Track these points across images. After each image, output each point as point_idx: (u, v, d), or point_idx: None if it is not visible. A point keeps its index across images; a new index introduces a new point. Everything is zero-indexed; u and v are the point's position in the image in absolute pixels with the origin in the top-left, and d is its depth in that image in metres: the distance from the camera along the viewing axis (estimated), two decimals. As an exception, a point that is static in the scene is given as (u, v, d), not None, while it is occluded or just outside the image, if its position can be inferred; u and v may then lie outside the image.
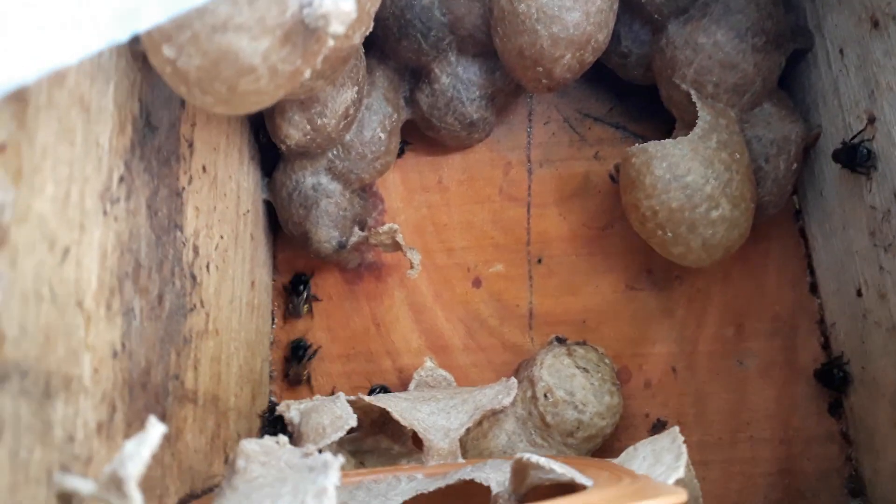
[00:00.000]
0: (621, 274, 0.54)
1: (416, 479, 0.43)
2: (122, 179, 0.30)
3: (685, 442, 0.37)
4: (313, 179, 0.50)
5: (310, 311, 0.53)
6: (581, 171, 0.55)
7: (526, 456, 0.36)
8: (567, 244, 0.54)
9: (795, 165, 0.49)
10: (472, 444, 0.49)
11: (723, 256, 0.47)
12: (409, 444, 0.49)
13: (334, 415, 0.40)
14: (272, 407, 0.49)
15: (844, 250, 0.48)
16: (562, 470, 0.35)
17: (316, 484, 0.29)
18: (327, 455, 0.32)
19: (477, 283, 0.54)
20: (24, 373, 0.23)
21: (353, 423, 0.40)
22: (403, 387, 0.52)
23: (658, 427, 0.52)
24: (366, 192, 0.54)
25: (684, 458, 0.35)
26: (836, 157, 0.46)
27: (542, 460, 0.35)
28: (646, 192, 0.46)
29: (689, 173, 0.45)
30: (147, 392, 0.32)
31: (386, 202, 0.56)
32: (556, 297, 0.54)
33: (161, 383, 0.33)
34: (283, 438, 0.35)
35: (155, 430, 0.24)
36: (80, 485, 0.25)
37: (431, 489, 0.41)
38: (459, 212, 0.55)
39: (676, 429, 0.38)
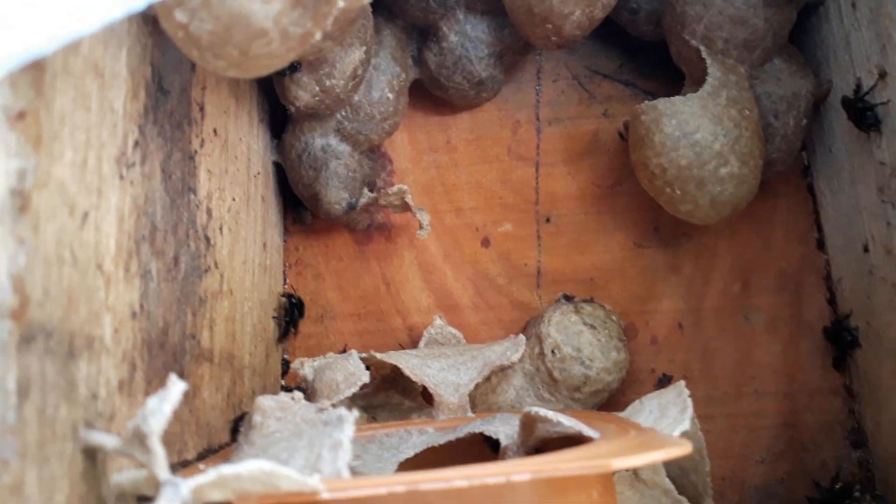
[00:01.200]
0: (629, 232, 0.54)
1: (427, 433, 0.44)
2: (136, 144, 0.30)
3: (690, 396, 0.38)
4: (322, 141, 0.50)
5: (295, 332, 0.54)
6: (590, 128, 0.55)
7: (534, 410, 0.37)
8: (575, 203, 0.55)
9: (805, 122, 0.49)
10: (480, 399, 0.50)
11: (731, 213, 0.48)
12: (419, 399, 0.50)
13: (347, 371, 0.41)
14: (286, 365, 0.51)
15: (852, 206, 0.49)
16: (569, 423, 0.36)
17: (331, 437, 0.30)
18: (342, 409, 0.33)
19: (486, 242, 0.55)
20: (49, 333, 0.24)
21: (366, 378, 0.41)
22: (414, 344, 0.53)
23: (664, 382, 0.53)
24: (374, 154, 0.54)
25: (689, 411, 0.36)
26: (846, 106, 0.46)
27: (550, 414, 0.36)
28: (655, 149, 0.46)
29: (698, 130, 0.45)
30: (165, 351, 0.33)
31: (394, 163, 0.56)
32: (564, 255, 0.54)
33: (178, 342, 0.34)
34: (297, 394, 0.36)
35: (176, 387, 0.25)
36: (105, 440, 0.26)
37: (442, 442, 0.43)
38: (468, 172, 0.56)
39: (682, 383, 0.39)
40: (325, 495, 0.25)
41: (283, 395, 0.35)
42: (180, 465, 0.33)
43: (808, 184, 0.54)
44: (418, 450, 0.43)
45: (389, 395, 0.50)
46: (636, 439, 0.30)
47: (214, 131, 0.40)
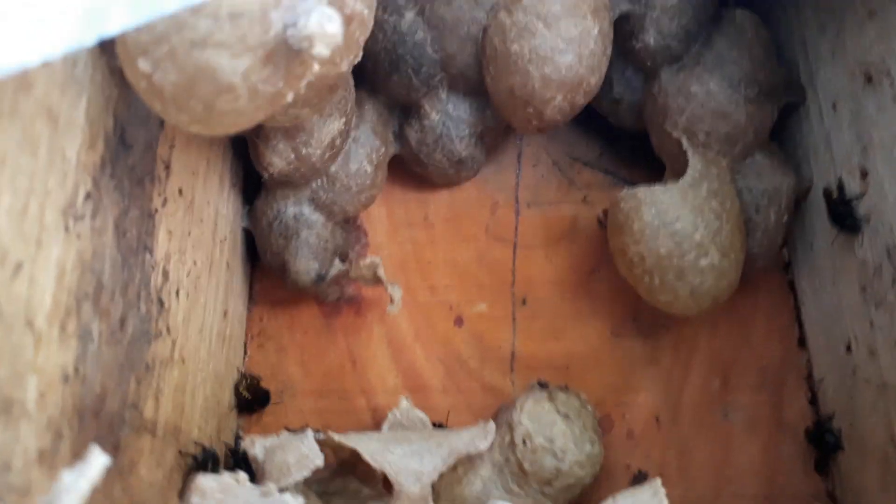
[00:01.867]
0: (607, 320, 0.53)
1: (385, 526, 0.41)
2: (88, 196, 0.28)
3: (667, 496, 0.35)
4: (295, 209, 0.48)
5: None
6: (569, 214, 0.54)
7: (499, 507, 0.34)
8: (552, 287, 0.53)
9: (786, 217, 0.49)
10: (445, 490, 0.47)
11: (711, 306, 0.46)
12: (379, 487, 0.47)
13: (300, 453, 0.39)
14: (236, 447, 0.47)
15: (834, 305, 0.48)
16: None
17: (271, 528, 0.27)
18: (287, 497, 0.30)
19: (459, 321, 0.53)
20: (-40, 393, 0.21)
21: (320, 462, 0.38)
22: (377, 427, 0.50)
23: (639, 478, 0.50)
24: (349, 225, 0.53)
25: (665, 515, 0.34)
26: (828, 205, 0.46)
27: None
28: (634, 237, 0.45)
29: (677, 220, 0.44)
30: (100, 420, 0.30)
31: (370, 236, 0.55)
32: (539, 340, 0.52)
33: (117, 411, 0.32)
34: (242, 475, 0.33)
35: (97, 460, 0.22)
36: (13, 519, 0.23)
37: (400, 537, 0.40)
38: (444, 249, 0.54)
39: (658, 481, 0.37)
40: None
41: (226, 476, 0.33)
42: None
43: (789, 280, 0.53)
44: (373, 544, 0.40)
45: (347, 481, 0.47)
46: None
47: (179, 191, 0.38)
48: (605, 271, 0.53)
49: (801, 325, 0.52)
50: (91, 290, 0.29)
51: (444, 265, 0.54)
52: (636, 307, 0.52)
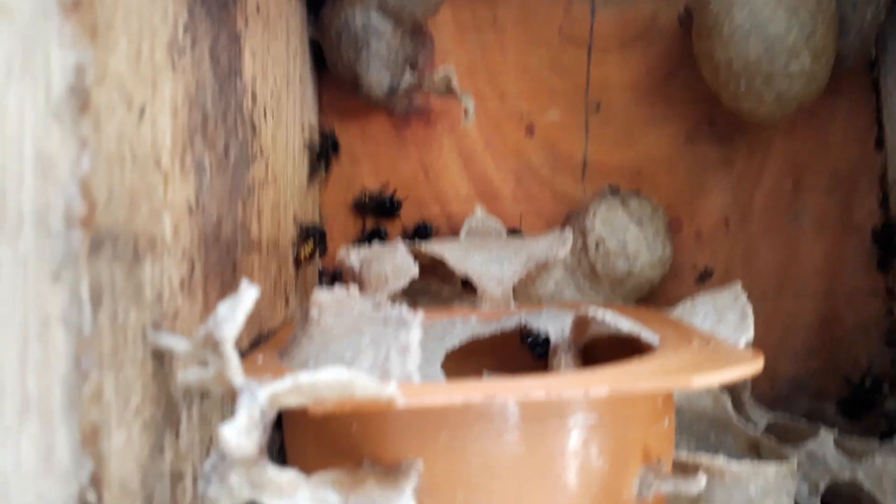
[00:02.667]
0: (681, 125, 0.52)
1: (471, 323, 0.44)
2: (186, 28, 0.28)
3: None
4: (363, 17, 0.47)
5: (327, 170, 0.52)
6: (648, 11, 0.52)
7: (592, 311, 0.37)
8: (627, 91, 0.52)
9: (883, 16, 0.46)
10: (519, 290, 0.50)
11: (795, 111, 0.45)
12: (458, 287, 0.50)
13: (395, 264, 0.41)
14: (321, 273, 0.50)
15: (921, 106, 0.46)
16: (628, 328, 0.35)
17: (398, 340, 0.29)
18: (402, 309, 0.33)
19: (530, 130, 0.53)
20: (116, 238, 0.23)
21: (415, 272, 0.40)
22: (452, 232, 0.52)
23: (705, 276, 0.52)
24: (416, 33, 0.51)
25: (751, 318, 0.36)
26: None
27: (609, 317, 0.36)
28: (723, 40, 0.43)
29: (771, 22, 0.42)
30: (219, 245, 0.32)
31: (436, 42, 0.53)
32: (611, 146, 0.52)
33: (231, 235, 0.33)
34: (354, 289, 0.35)
35: (248, 292, 0.24)
36: (174, 342, 0.26)
37: (486, 333, 0.43)
38: (515, 54, 0.53)
39: (738, 285, 0.39)
40: (401, 403, 0.25)
41: (339, 290, 0.35)
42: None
43: (873, 79, 0.51)
44: (463, 339, 0.43)
45: (429, 282, 0.50)
46: (704, 351, 0.30)
47: (257, 8, 0.37)
48: (684, 74, 0.51)
49: (880, 126, 0.51)
50: (199, 123, 0.29)
51: (515, 71, 0.53)
52: (712, 112, 0.51)
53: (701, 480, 0.27)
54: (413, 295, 0.50)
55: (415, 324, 0.29)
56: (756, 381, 0.51)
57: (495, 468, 0.27)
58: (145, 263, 0.25)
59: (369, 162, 0.53)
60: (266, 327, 0.39)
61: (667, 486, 0.28)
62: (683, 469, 0.35)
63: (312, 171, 0.50)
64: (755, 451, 0.41)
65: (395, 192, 0.52)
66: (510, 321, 0.42)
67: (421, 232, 0.51)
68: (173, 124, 0.27)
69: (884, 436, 0.49)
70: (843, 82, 0.50)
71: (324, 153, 0.50)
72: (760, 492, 0.35)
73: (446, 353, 0.42)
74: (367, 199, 0.52)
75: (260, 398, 0.24)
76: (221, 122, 0.32)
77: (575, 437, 0.28)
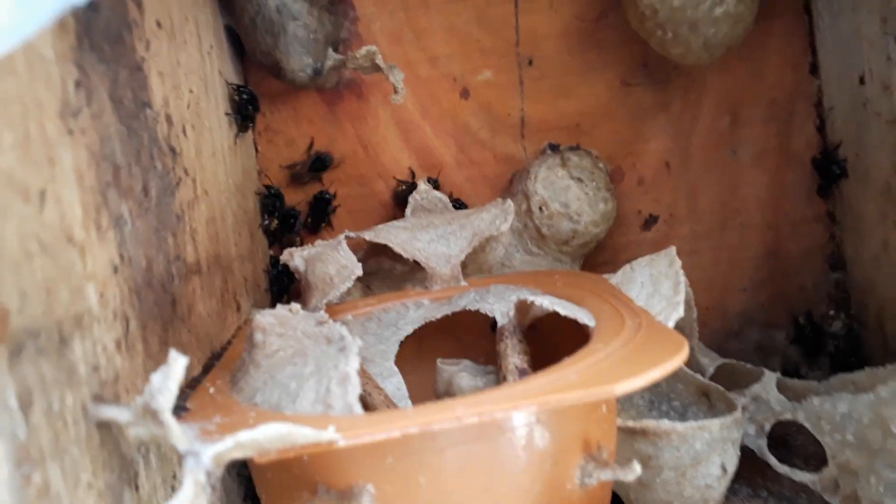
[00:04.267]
0: (616, 69, 0.51)
1: (423, 306, 0.45)
2: (78, 84, 0.27)
3: (677, 245, 0.38)
4: (276, 0, 0.45)
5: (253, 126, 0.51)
6: (571, -43, 0.50)
7: (529, 298, 0.37)
8: (559, 41, 0.51)
9: (810, -58, 0.45)
10: (470, 259, 0.50)
11: (725, 54, 0.45)
12: (410, 262, 0.50)
13: (339, 264, 0.41)
14: (275, 261, 0.50)
15: (852, 33, 0.46)
16: (565, 311, 0.36)
17: (338, 370, 0.30)
18: (343, 330, 0.33)
19: (465, 93, 0.52)
20: (37, 334, 0.23)
21: (359, 272, 0.41)
22: (399, 207, 0.52)
23: (650, 223, 0.53)
24: (334, 5, 0.49)
25: (683, 287, 0.37)
26: None
27: (546, 302, 0.37)
28: (645, -8, 0.42)
29: (692, -30, 0.41)
30: (153, 288, 0.32)
31: (357, 9, 0.51)
32: (548, 101, 0.52)
33: (164, 272, 0.33)
34: (295, 306, 0.36)
35: (177, 362, 0.24)
36: (116, 413, 0.26)
37: (439, 316, 0.44)
38: (440, 13, 0.51)
39: (673, 250, 0.39)
40: (342, 444, 0.26)
41: (281, 308, 0.35)
42: (188, 388, 0.34)
43: (804, 3, 0.50)
44: (416, 325, 0.44)
45: (380, 261, 0.51)
46: (636, 344, 0.31)
47: (158, 24, 0.35)
48: (613, 17, 0.50)
49: (814, 52, 0.50)
50: (110, 178, 0.29)
51: (442, 31, 0.51)
52: (646, 53, 0.50)
53: (636, 468, 0.28)
54: (367, 277, 0.50)
55: (353, 351, 0.30)
56: (707, 317, 0.53)
57: (442, 482, 0.28)
58: (73, 344, 0.25)
59: (305, 142, 0.52)
60: (218, 344, 0.40)
61: (606, 475, 0.29)
62: (631, 433, 0.37)
63: (239, 130, 0.48)
64: (705, 397, 0.43)
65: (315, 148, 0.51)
66: (462, 300, 0.43)
67: (318, 164, 0.51)
68: (80, 192, 0.26)
69: (833, 358, 0.51)
70: (775, 8, 0.50)
71: (243, 110, 0.49)
72: (707, 446, 0.37)
73: (401, 341, 0.43)
74: (298, 166, 0.51)
75: (204, 461, 0.25)
76: (136, 164, 0.31)
77: (515, 440, 0.29)
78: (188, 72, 0.39)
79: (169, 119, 0.36)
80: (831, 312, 0.52)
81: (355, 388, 0.29)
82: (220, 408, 0.31)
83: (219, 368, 0.37)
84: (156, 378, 0.24)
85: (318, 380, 0.30)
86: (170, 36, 0.37)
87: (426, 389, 0.42)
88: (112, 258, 0.28)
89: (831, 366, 0.50)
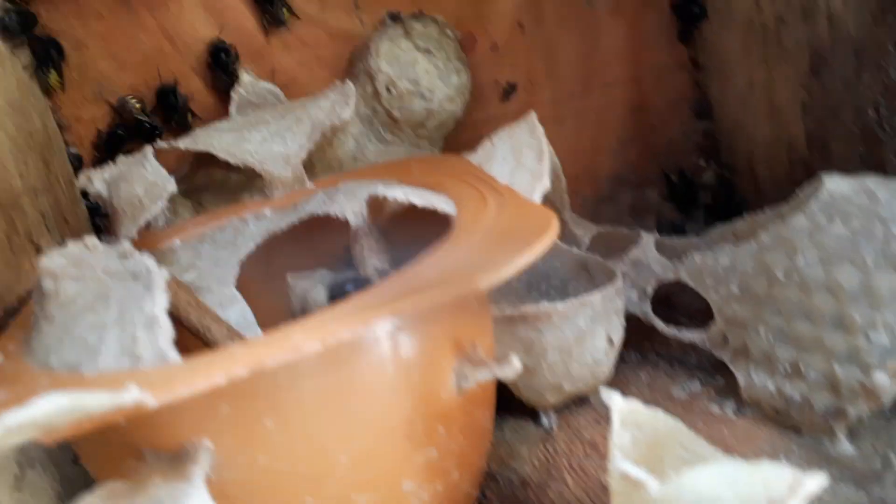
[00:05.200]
0: (450, -81, 0.45)
1: (265, 217, 0.39)
2: None
3: (539, 112, 0.34)
4: None
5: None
6: None
7: (381, 191, 0.32)
8: None
9: None
10: (315, 156, 0.44)
11: None
12: (247, 170, 0.44)
13: (147, 182, 0.34)
14: (78, 160, 0.42)
15: None
16: (421, 202, 0.32)
17: (143, 312, 0.24)
18: (149, 262, 0.27)
19: (280, -38, 0.44)
20: None
21: (172, 188, 0.34)
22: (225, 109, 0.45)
23: (509, 92, 0.48)
24: None
25: (546, 154, 0.33)
26: None
27: (399, 194, 0.32)
28: None
29: None
30: None
31: None
32: (378, -38, 0.45)
33: None
34: (90, 240, 0.29)
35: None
36: None
37: (284, 226, 0.38)
38: None
39: (533, 116, 0.35)
40: (152, 404, 0.20)
41: (73, 246, 0.29)
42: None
43: None
44: (259, 240, 0.38)
45: (211, 172, 0.44)
46: (500, 226, 0.26)
47: None
48: None
49: None
50: None
51: None
52: None
53: (515, 363, 0.25)
54: (197, 192, 0.43)
55: (159, 286, 0.24)
56: (577, 185, 0.50)
57: (295, 420, 0.24)
58: None
59: (98, 44, 0.43)
60: (14, 298, 0.33)
61: (483, 374, 0.26)
62: (511, 322, 0.34)
63: (44, 89, 0.40)
64: (584, 270, 0.40)
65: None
66: (309, 205, 0.38)
67: (167, 102, 0.43)
68: None
69: (707, 209, 0.49)
70: None
71: (46, 61, 0.40)
72: (590, 321, 0.34)
73: (242, 261, 0.37)
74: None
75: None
76: None
77: (374, 356, 0.25)
78: None
79: None
80: (702, 163, 0.51)
81: (166, 332, 0.23)
82: (6, 379, 0.25)
83: (14, 328, 0.30)
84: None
85: (121, 327, 0.24)
86: None
87: (283, 312, 0.37)
88: None
89: (706, 217, 0.49)
